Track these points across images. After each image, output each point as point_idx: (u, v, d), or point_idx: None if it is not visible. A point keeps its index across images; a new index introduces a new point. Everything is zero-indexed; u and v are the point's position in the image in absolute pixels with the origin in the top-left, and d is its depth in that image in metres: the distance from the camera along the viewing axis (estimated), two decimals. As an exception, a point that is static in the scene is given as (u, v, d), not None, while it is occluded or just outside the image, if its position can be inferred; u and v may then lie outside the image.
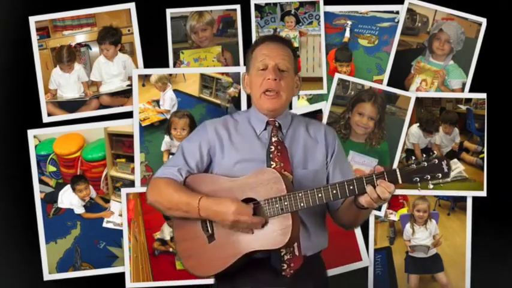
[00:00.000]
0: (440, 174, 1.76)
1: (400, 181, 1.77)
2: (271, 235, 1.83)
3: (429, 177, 1.77)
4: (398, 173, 1.77)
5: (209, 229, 1.91)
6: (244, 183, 1.88)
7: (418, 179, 1.77)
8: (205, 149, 1.99)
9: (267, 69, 1.96)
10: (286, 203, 1.82)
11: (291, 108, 2.79)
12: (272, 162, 1.93)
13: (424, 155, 1.79)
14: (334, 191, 1.81)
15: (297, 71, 2.06)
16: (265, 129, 2.01)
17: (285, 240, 1.81)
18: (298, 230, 1.87)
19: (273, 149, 1.95)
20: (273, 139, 1.97)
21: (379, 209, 2.79)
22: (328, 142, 2.04)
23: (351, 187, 1.80)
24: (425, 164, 1.76)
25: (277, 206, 1.83)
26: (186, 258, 1.95)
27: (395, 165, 2.79)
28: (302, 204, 1.82)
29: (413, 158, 1.80)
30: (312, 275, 1.96)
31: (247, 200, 1.87)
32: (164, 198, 1.93)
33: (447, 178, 1.77)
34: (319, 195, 1.82)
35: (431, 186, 1.78)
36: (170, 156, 2.77)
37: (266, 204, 1.84)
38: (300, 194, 1.82)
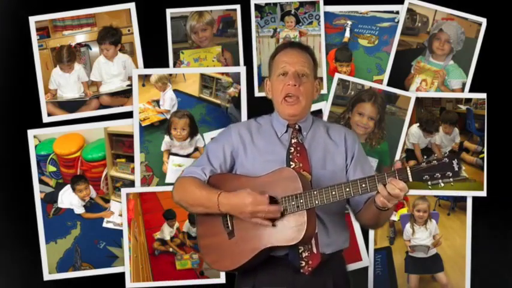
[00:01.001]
0: (450, 173, 1.77)
1: (410, 179, 1.80)
2: (287, 231, 1.88)
3: (439, 175, 1.78)
4: (409, 171, 1.80)
5: (229, 225, 1.97)
6: (263, 181, 1.96)
7: (428, 177, 1.79)
8: (229, 151, 2.09)
9: (287, 75, 2.04)
10: (301, 201, 1.88)
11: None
12: (292, 163, 2.01)
13: (435, 154, 1.82)
14: (347, 189, 1.86)
15: (316, 76, 2.13)
16: (286, 131, 2.09)
17: (299, 237, 1.86)
18: (314, 227, 1.91)
19: (292, 150, 2.04)
20: (293, 141, 2.06)
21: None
22: (348, 145, 2.10)
23: (363, 185, 1.84)
24: (436, 162, 1.78)
25: (293, 203, 1.89)
26: (207, 253, 2.03)
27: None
28: (317, 202, 1.87)
29: (425, 157, 1.84)
30: (332, 273, 2.01)
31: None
32: (188, 196, 2.02)
33: (457, 177, 1.77)
34: (333, 193, 1.87)
35: (442, 185, 1.80)
36: (170, 156, 2.78)
37: (283, 201, 1.90)
38: (315, 192, 1.87)
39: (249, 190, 1.91)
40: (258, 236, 1.92)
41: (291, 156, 2.03)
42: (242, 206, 1.90)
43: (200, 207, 2.01)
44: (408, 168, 1.80)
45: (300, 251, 1.95)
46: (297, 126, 2.10)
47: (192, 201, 2.02)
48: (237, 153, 2.09)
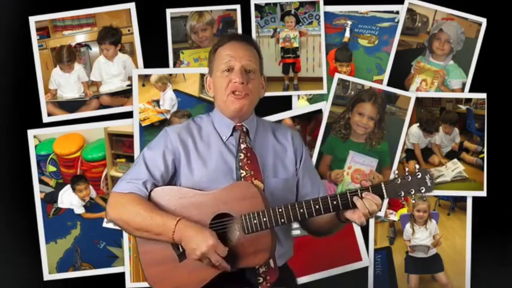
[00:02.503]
0: (423, 188, 1.77)
1: (385, 195, 1.76)
2: (250, 253, 1.74)
3: (413, 190, 1.77)
4: (383, 187, 1.76)
5: (180, 248, 1.78)
6: (217, 197, 1.78)
7: (402, 193, 1.77)
8: (170, 158, 1.86)
9: (233, 70, 1.86)
10: (265, 219, 1.73)
11: (290, 108, 2.80)
12: (242, 171, 1.84)
13: (407, 169, 1.79)
14: (317, 207, 1.74)
15: (262, 71, 1.97)
16: (231, 135, 1.91)
17: (265, 258, 1.75)
18: (275, 244, 1.78)
19: (242, 157, 1.86)
20: (242, 146, 1.88)
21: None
22: (296, 147, 1.97)
23: (335, 202, 1.75)
24: (410, 178, 1.77)
25: (255, 221, 1.73)
26: (158, 283, 1.82)
27: (395, 165, 2.79)
28: (283, 220, 1.74)
29: (396, 172, 1.79)
30: (286, 285, 1.90)
31: (220, 216, 1.78)
32: (132, 219, 1.78)
33: (429, 192, 1.78)
34: (301, 210, 1.74)
35: (413, 201, 1.82)
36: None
37: (243, 220, 1.74)
38: (280, 210, 1.74)
39: (213, 232, 1.72)
40: None
41: (240, 164, 1.84)
42: (199, 244, 1.69)
43: (148, 233, 1.76)
44: (383, 184, 1.76)
45: (257, 267, 1.81)
46: (244, 128, 1.90)
47: (139, 226, 1.77)
48: (179, 161, 1.86)
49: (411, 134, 2.82)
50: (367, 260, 2.80)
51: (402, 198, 1.77)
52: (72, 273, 2.78)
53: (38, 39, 2.77)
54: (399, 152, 2.80)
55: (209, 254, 1.70)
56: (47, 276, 2.77)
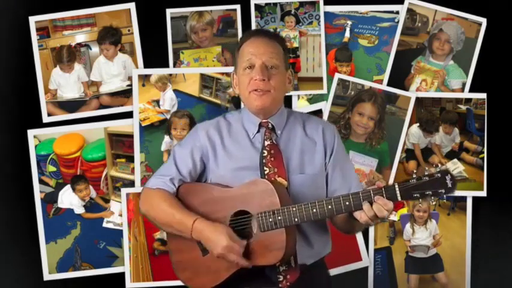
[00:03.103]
0: (443, 190, 1.64)
1: (399, 198, 1.66)
2: (265, 251, 1.75)
3: (431, 193, 1.64)
4: (397, 189, 1.66)
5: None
6: (236, 194, 1.80)
7: (418, 195, 1.65)
8: (198, 156, 1.90)
9: (254, 68, 1.85)
10: (279, 218, 1.73)
11: (290, 108, 2.79)
12: (265, 168, 1.83)
13: (426, 169, 1.67)
14: (329, 206, 1.71)
15: (288, 66, 1.93)
16: (258, 131, 1.90)
17: (279, 256, 1.73)
18: (294, 243, 1.78)
19: (266, 154, 1.85)
20: (266, 142, 1.87)
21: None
22: (327, 141, 1.92)
23: (347, 203, 1.70)
24: (427, 178, 1.64)
25: (270, 220, 1.73)
26: (181, 270, 1.89)
27: (395, 165, 2.78)
28: (296, 219, 1.72)
29: (414, 171, 1.68)
30: (313, 283, 1.87)
31: (239, 213, 1.80)
32: (157, 214, 1.86)
33: (451, 193, 1.64)
34: (314, 210, 1.72)
35: (433, 203, 1.69)
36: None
37: (259, 218, 1.75)
38: (294, 209, 1.72)
39: (229, 231, 1.75)
40: None
41: (264, 161, 1.83)
42: (214, 245, 1.74)
43: (171, 228, 1.84)
44: (396, 186, 1.66)
45: (277, 264, 1.79)
46: (269, 125, 1.89)
47: (162, 221, 1.85)
48: (207, 157, 1.89)
49: (411, 134, 2.82)
50: (367, 260, 2.80)
51: (419, 201, 1.68)
52: (72, 273, 2.78)
53: (38, 39, 2.77)
54: (399, 152, 2.80)
55: (225, 254, 1.74)
56: (47, 276, 2.77)
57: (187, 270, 1.88)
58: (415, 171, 1.68)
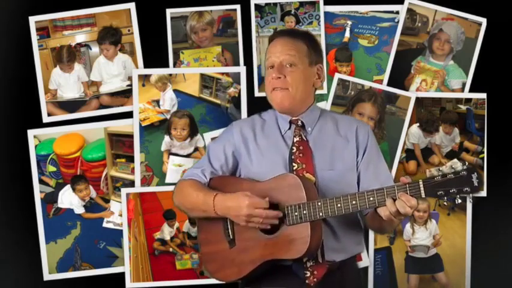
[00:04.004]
0: (468, 189, 1.61)
1: (423, 195, 1.63)
2: (290, 244, 1.77)
3: (455, 191, 1.61)
4: (421, 185, 1.64)
5: (230, 234, 1.88)
6: (264, 187, 1.83)
7: (443, 193, 1.62)
8: (230, 151, 1.97)
9: (274, 68, 1.91)
10: (305, 212, 1.75)
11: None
12: (294, 164, 1.87)
13: (452, 166, 1.63)
14: (353, 202, 1.71)
15: (316, 61, 1.95)
16: (289, 128, 1.95)
17: (302, 250, 1.74)
18: (319, 239, 1.78)
19: (294, 150, 1.89)
20: (295, 139, 1.91)
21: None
22: (359, 140, 1.93)
23: (371, 198, 1.69)
24: (453, 176, 1.61)
25: (296, 214, 1.76)
26: (209, 261, 1.94)
27: (395, 165, 2.78)
28: (321, 214, 1.74)
29: (439, 169, 1.64)
30: (342, 283, 1.86)
31: (271, 206, 1.81)
32: (186, 199, 1.93)
33: (476, 192, 1.60)
34: (338, 205, 1.72)
35: (459, 201, 1.62)
36: (170, 156, 2.77)
37: (285, 211, 1.78)
38: (319, 204, 1.74)
39: (247, 192, 1.79)
40: (259, 247, 1.81)
41: (293, 157, 1.87)
42: (238, 209, 1.77)
43: (197, 210, 1.90)
44: (421, 182, 1.64)
45: (305, 260, 1.81)
46: (299, 122, 1.93)
47: (190, 204, 1.92)
48: (239, 153, 1.96)
49: (411, 134, 2.82)
50: (367, 260, 2.80)
51: (444, 198, 1.62)
52: (72, 273, 2.78)
53: (38, 39, 2.77)
54: (399, 152, 2.80)
55: (251, 212, 1.76)
56: (47, 276, 2.77)
57: (214, 262, 1.92)
58: (440, 168, 1.65)
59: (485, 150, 2.80)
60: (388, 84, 2.81)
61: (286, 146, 1.92)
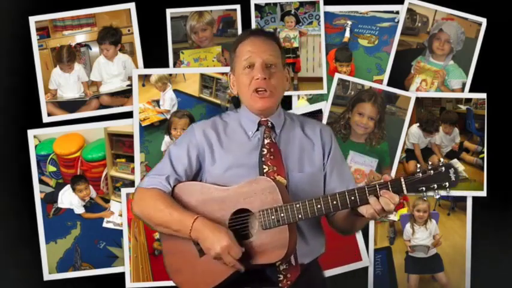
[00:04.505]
0: (447, 183, 1.67)
1: (405, 191, 1.68)
2: (267, 249, 1.73)
3: (436, 186, 1.67)
4: (403, 182, 1.68)
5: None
6: (237, 192, 1.77)
7: (424, 189, 1.68)
8: (194, 154, 1.87)
9: (254, 67, 1.84)
10: (282, 215, 1.71)
11: (290, 108, 2.79)
12: (265, 166, 1.83)
13: (430, 163, 1.70)
14: (334, 202, 1.71)
15: (285, 65, 1.94)
16: (257, 130, 1.90)
17: (281, 255, 1.71)
18: (295, 241, 1.76)
19: (265, 152, 1.84)
20: (266, 141, 1.87)
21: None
22: (325, 141, 1.94)
23: (352, 197, 1.70)
24: (432, 172, 1.67)
25: (272, 217, 1.72)
26: (175, 272, 1.84)
27: (395, 165, 2.78)
28: (300, 216, 1.71)
29: (419, 166, 1.71)
30: (311, 284, 1.87)
31: (240, 211, 1.78)
32: (153, 214, 1.81)
33: (455, 186, 1.67)
34: (318, 206, 1.71)
35: (437, 196, 1.69)
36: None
37: (261, 215, 1.73)
38: (298, 205, 1.71)
39: (230, 233, 1.72)
40: None
41: (263, 159, 1.82)
42: (214, 243, 1.70)
43: (167, 229, 1.79)
44: (402, 179, 1.68)
45: (278, 263, 1.77)
46: (269, 124, 1.89)
47: (159, 221, 1.80)
48: (203, 156, 1.87)
49: (411, 134, 2.82)
50: (367, 260, 2.80)
51: (424, 194, 1.68)
52: (72, 273, 2.78)
53: (38, 39, 2.77)
54: (399, 152, 2.80)
55: (222, 255, 1.71)
56: (47, 276, 2.77)
57: (182, 273, 1.83)
58: (419, 165, 1.71)
59: (485, 150, 2.80)
60: (388, 84, 2.81)
61: (254, 148, 1.87)
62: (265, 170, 1.82)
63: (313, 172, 1.89)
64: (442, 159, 1.71)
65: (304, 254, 1.84)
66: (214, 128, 1.92)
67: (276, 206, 1.72)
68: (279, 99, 1.91)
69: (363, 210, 1.71)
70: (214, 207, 1.80)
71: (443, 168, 1.68)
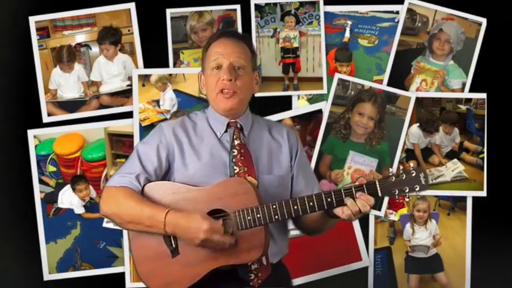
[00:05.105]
0: (418, 187, 1.77)
1: (379, 194, 1.76)
2: (243, 249, 1.75)
3: (407, 189, 1.77)
4: (378, 185, 1.76)
5: (173, 243, 1.79)
6: (211, 193, 1.78)
7: (396, 191, 1.77)
8: (164, 153, 1.87)
9: (221, 68, 1.87)
10: (258, 215, 1.74)
11: (290, 108, 2.80)
12: (235, 167, 1.85)
13: (402, 168, 1.80)
14: (311, 203, 1.75)
15: (255, 67, 1.97)
16: (225, 131, 1.92)
17: (258, 254, 1.75)
18: (269, 242, 1.79)
19: (235, 153, 1.87)
20: (236, 142, 1.89)
21: (379, 208, 2.79)
22: (292, 144, 1.98)
23: (329, 199, 1.75)
24: (404, 176, 1.77)
25: (248, 218, 1.74)
26: (150, 278, 1.81)
27: (395, 165, 2.79)
28: (276, 217, 1.74)
29: (391, 170, 1.83)
30: (279, 283, 1.90)
31: (214, 212, 1.78)
32: (124, 211, 1.78)
33: (425, 190, 1.77)
34: (295, 207, 1.75)
35: (408, 199, 1.86)
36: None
37: (236, 216, 1.75)
38: (274, 206, 1.74)
39: (204, 214, 1.73)
40: (208, 254, 1.75)
41: (234, 160, 1.85)
42: (195, 232, 1.70)
43: (140, 225, 1.76)
44: (377, 182, 1.76)
45: (249, 263, 1.81)
46: (238, 125, 1.91)
47: (130, 218, 1.77)
48: (173, 156, 1.86)
49: (411, 134, 2.82)
50: (367, 260, 2.80)
51: (397, 196, 1.77)
52: (72, 273, 2.78)
53: (38, 39, 2.77)
54: (399, 152, 2.80)
55: (209, 237, 1.71)
56: (47, 276, 2.77)
57: (157, 278, 1.80)
58: (391, 169, 1.86)
59: (485, 150, 2.80)
60: (388, 84, 2.81)
61: (223, 149, 1.89)
62: (236, 171, 1.84)
63: (282, 174, 1.92)
64: (412, 164, 1.83)
65: (273, 254, 1.88)
66: (184, 127, 1.92)
67: (252, 206, 1.74)
68: (245, 101, 1.93)
69: (339, 211, 1.76)
70: (188, 207, 1.78)
71: (414, 172, 1.77)
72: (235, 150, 1.87)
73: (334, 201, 1.75)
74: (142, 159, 1.86)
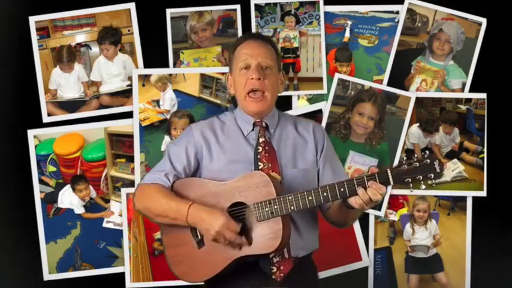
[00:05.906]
0: (432, 175, 1.76)
1: (391, 182, 1.77)
2: (262, 239, 1.81)
3: (421, 177, 1.76)
4: (389, 174, 1.77)
5: (198, 234, 1.89)
6: (232, 187, 1.87)
7: (410, 180, 1.77)
8: (192, 153, 1.97)
9: (250, 68, 1.94)
10: (276, 207, 1.80)
11: (290, 108, 2.80)
12: (260, 163, 1.92)
13: (416, 155, 1.79)
14: (325, 194, 1.80)
15: (280, 68, 2.05)
16: (252, 129, 2.00)
17: (275, 245, 1.79)
18: (289, 233, 1.84)
19: (260, 150, 1.95)
20: (261, 140, 1.97)
21: (379, 208, 2.79)
22: (317, 139, 2.03)
23: (342, 189, 1.79)
24: (417, 164, 1.76)
25: (266, 209, 1.81)
26: (176, 264, 1.93)
27: (395, 165, 2.78)
28: (292, 208, 1.80)
29: (405, 158, 1.79)
30: (304, 278, 1.93)
31: (236, 204, 1.86)
32: (152, 205, 1.91)
33: (440, 178, 1.76)
34: (310, 198, 1.80)
35: (423, 187, 1.78)
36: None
37: (255, 208, 1.82)
38: (290, 197, 1.80)
39: (225, 212, 1.83)
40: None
41: (259, 157, 1.93)
42: (211, 224, 1.80)
43: (166, 218, 1.89)
44: (389, 171, 1.77)
45: (271, 256, 1.87)
46: (263, 124, 1.99)
47: (158, 211, 1.90)
48: (201, 155, 1.97)
49: (411, 134, 2.82)
50: (367, 260, 2.80)
51: (410, 185, 1.76)
52: (72, 273, 2.78)
53: (38, 39, 2.77)
54: (399, 152, 2.80)
55: (223, 232, 1.79)
56: (47, 276, 2.77)
57: (182, 264, 1.91)
58: (405, 157, 1.79)
59: (485, 150, 2.80)
60: (388, 84, 2.81)
61: (249, 146, 1.97)
62: (260, 167, 1.92)
63: (306, 168, 1.98)
64: (427, 152, 1.78)
65: (298, 248, 1.92)
66: (212, 127, 2.02)
67: (270, 198, 1.81)
68: (272, 102, 2.00)
69: (352, 201, 1.80)
70: (212, 201, 1.88)
71: (428, 160, 1.76)
72: (260, 148, 1.95)
73: (347, 191, 1.78)
74: (172, 158, 1.98)
